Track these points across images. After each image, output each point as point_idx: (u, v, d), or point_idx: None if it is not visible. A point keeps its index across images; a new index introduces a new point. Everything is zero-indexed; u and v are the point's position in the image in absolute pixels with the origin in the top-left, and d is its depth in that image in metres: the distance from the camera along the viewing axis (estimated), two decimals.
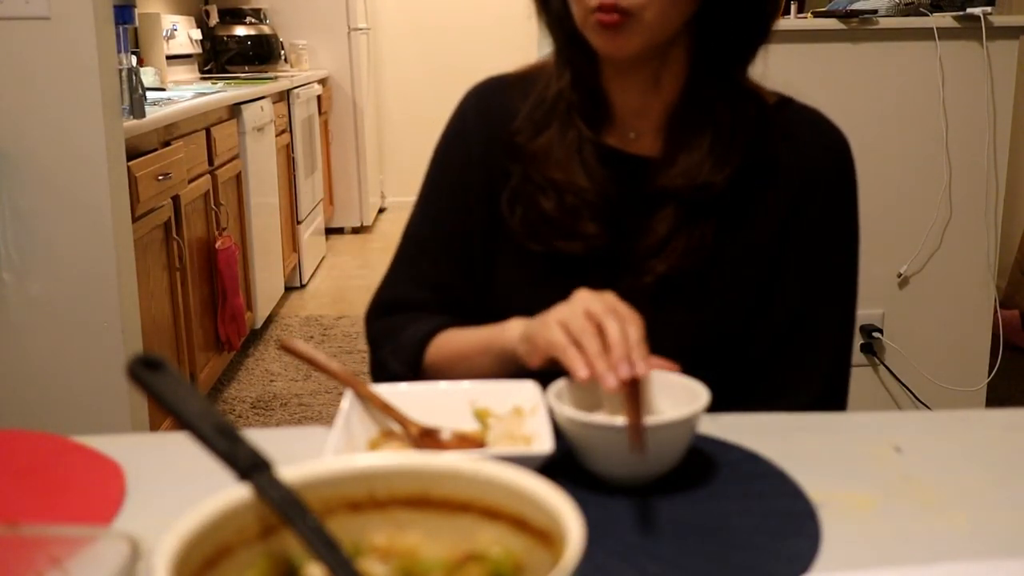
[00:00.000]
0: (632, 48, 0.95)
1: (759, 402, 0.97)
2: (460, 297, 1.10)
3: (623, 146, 1.05)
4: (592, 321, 0.83)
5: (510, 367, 0.97)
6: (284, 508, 0.46)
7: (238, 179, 3.65)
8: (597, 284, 0.96)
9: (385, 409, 0.83)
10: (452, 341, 1.05)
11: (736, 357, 1.03)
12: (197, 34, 4.98)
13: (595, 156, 1.04)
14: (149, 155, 2.61)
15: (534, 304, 0.96)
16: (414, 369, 1.06)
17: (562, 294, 0.92)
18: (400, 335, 1.08)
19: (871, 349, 2.62)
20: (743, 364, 1.03)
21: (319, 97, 5.28)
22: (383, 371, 1.10)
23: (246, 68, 5.17)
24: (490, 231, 1.08)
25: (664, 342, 0.87)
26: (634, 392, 0.77)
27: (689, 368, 0.84)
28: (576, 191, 1.02)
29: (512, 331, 0.97)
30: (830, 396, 1.05)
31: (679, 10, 0.94)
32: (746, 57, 1.01)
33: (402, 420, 0.82)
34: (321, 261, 5.17)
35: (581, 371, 0.80)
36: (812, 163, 1.04)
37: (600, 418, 0.76)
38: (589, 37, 0.96)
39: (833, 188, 1.05)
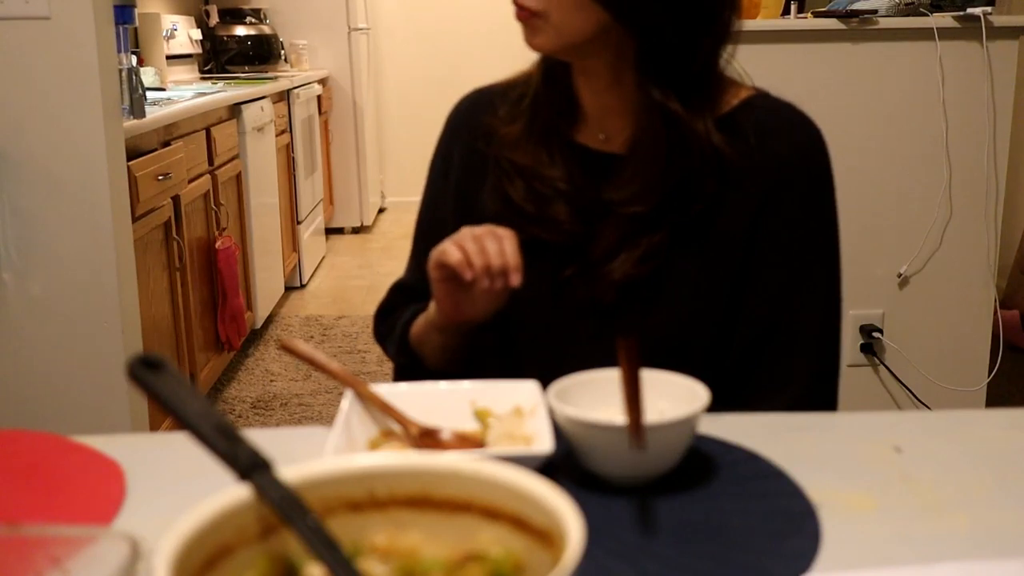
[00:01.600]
0: (545, 45, 0.99)
1: (742, 402, 0.97)
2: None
3: (593, 145, 1.07)
4: (474, 238, 0.96)
5: (451, 338, 1.05)
6: (284, 508, 0.46)
7: (238, 179, 3.65)
8: (574, 273, 1.03)
9: (385, 409, 0.83)
10: (418, 322, 1.10)
11: (712, 359, 1.03)
12: (197, 34, 4.97)
13: (563, 150, 1.06)
14: (149, 155, 2.61)
15: (514, 295, 1.00)
16: (405, 353, 1.10)
17: (541, 284, 0.98)
18: (395, 326, 1.14)
19: (871, 349, 2.62)
20: (722, 365, 1.03)
21: (319, 97, 5.28)
22: (393, 363, 1.15)
23: (246, 68, 5.16)
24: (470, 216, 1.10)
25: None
26: (634, 388, 0.77)
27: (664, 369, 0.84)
28: (543, 179, 1.06)
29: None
30: (815, 394, 1.04)
31: (586, 15, 0.96)
32: (691, 59, 0.99)
33: (402, 420, 0.82)
34: (321, 261, 5.17)
35: (466, 273, 0.93)
36: (782, 160, 1.03)
37: (600, 418, 0.76)
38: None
39: (805, 184, 1.04)
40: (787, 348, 1.03)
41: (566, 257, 1.05)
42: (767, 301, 1.03)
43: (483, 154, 1.10)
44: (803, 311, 1.04)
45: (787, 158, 1.03)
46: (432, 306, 1.05)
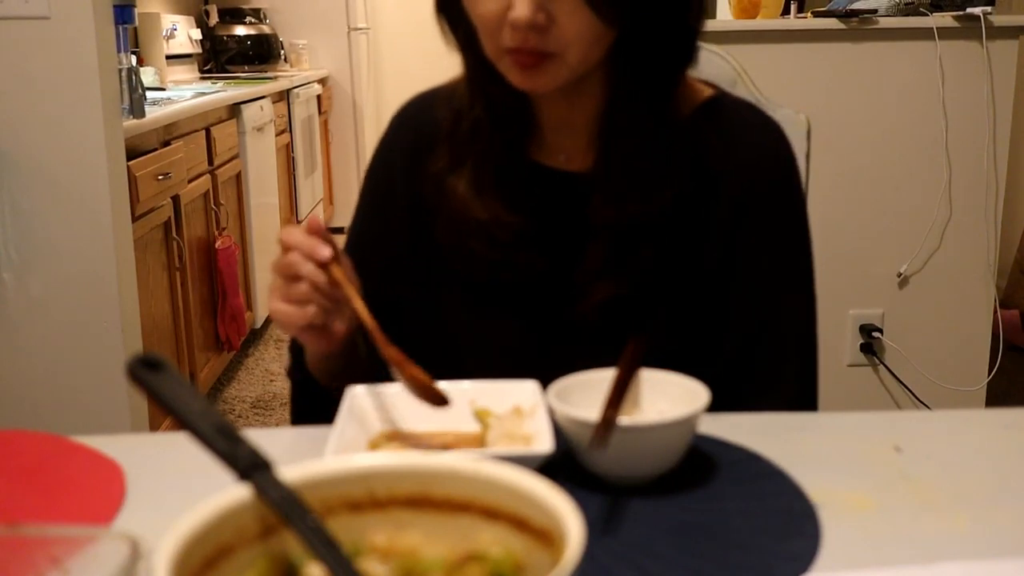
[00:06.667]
0: (553, 85, 0.91)
1: (730, 408, 0.96)
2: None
3: (554, 165, 1.02)
4: (281, 274, 0.94)
5: (327, 357, 0.98)
6: (284, 508, 0.46)
7: (238, 179, 3.65)
8: (542, 305, 0.99)
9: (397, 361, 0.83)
10: None
11: (696, 368, 1.02)
12: (197, 34, 4.98)
13: (523, 178, 1.01)
14: (149, 155, 2.61)
15: (479, 327, 0.98)
16: (301, 370, 1.03)
17: (507, 317, 0.95)
18: None
19: (871, 349, 2.61)
20: (707, 373, 1.02)
21: (319, 97, 5.28)
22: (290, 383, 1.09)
23: (246, 68, 5.17)
24: (423, 247, 1.05)
25: (615, 362, 0.86)
26: (621, 387, 0.77)
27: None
28: (504, 226, 0.99)
29: None
30: (802, 397, 1.03)
31: (601, 46, 0.90)
32: (668, 70, 0.96)
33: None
34: None
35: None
36: (749, 166, 1.00)
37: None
38: (505, 73, 0.92)
39: (774, 187, 1.02)
40: (774, 353, 1.02)
41: (542, 284, 1.01)
42: (751, 309, 1.02)
43: (430, 181, 1.04)
44: (787, 316, 1.03)
45: (755, 163, 1.00)
46: None
